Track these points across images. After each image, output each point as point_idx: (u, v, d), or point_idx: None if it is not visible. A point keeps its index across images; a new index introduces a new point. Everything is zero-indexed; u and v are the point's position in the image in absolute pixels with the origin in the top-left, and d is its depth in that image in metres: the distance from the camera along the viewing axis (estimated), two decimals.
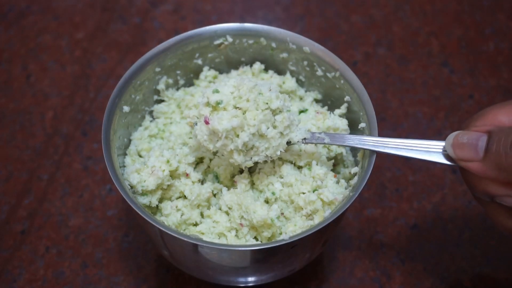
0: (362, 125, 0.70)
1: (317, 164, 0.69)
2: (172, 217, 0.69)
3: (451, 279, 0.81)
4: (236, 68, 0.79)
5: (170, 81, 0.78)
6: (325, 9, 1.08)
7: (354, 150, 0.76)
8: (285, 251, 0.64)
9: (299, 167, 0.71)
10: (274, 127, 0.65)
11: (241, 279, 0.72)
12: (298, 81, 0.79)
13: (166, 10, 1.08)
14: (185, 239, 0.61)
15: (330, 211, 0.67)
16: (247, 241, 0.68)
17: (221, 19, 1.06)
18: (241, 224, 0.67)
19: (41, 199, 0.86)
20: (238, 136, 0.63)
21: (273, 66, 0.79)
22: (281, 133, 0.65)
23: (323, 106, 0.78)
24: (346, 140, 0.66)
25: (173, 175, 0.70)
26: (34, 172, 0.89)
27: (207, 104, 0.64)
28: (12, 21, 1.05)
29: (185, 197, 0.70)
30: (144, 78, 0.74)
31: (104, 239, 0.83)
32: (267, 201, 0.70)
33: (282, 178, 0.69)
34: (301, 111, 0.77)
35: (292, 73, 0.78)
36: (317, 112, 0.75)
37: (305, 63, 0.76)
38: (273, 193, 0.69)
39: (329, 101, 0.78)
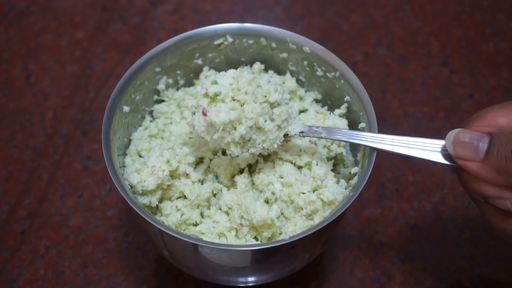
0: (362, 125, 0.70)
1: (317, 164, 0.69)
2: (172, 217, 0.69)
3: (451, 279, 0.81)
4: (236, 68, 0.79)
5: (170, 81, 0.78)
6: (325, 9, 1.08)
7: (354, 150, 0.76)
8: (285, 251, 0.64)
9: (299, 167, 0.71)
10: (272, 120, 0.65)
11: (241, 279, 0.72)
12: (298, 81, 0.79)
13: (166, 10, 1.08)
14: (185, 239, 0.61)
15: (330, 211, 0.67)
16: (247, 241, 0.68)
17: (221, 19, 1.06)
18: (241, 224, 0.67)
19: (41, 199, 0.86)
20: (235, 128, 0.63)
21: (273, 66, 0.79)
22: (279, 126, 0.65)
23: (323, 106, 0.78)
24: (343, 135, 0.66)
25: (173, 175, 0.70)
26: (34, 172, 0.89)
27: (206, 95, 0.64)
28: (12, 21, 1.05)
29: (185, 197, 0.70)
30: (144, 78, 0.74)
31: (104, 239, 0.83)
32: (267, 201, 0.70)
33: (282, 178, 0.69)
34: (301, 111, 0.77)
35: (292, 73, 0.78)
36: (317, 112, 0.75)
37: (305, 63, 0.76)
38: (273, 193, 0.69)
39: (329, 101, 0.78)
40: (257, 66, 0.78)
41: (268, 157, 0.72)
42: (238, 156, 0.67)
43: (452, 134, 0.59)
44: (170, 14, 1.07)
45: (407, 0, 1.09)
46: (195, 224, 0.70)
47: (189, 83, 0.80)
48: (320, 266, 0.82)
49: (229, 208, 0.69)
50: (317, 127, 0.67)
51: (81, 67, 1.00)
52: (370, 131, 0.68)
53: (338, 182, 0.70)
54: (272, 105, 0.65)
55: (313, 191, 0.67)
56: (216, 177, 0.72)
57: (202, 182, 0.71)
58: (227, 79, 0.64)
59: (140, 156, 0.74)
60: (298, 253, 0.68)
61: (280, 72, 0.79)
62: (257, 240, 0.69)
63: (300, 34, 0.74)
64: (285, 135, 0.67)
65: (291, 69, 0.78)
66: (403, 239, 0.84)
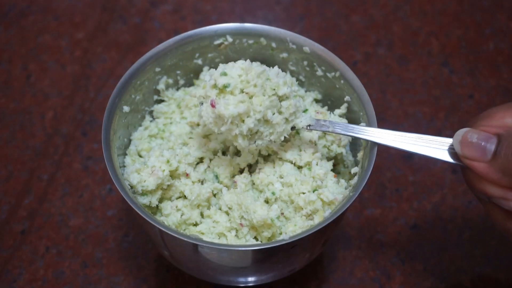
0: (362, 125, 0.70)
1: (317, 164, 0.69)
2: (172, 217, 0.69)
3: (451, 279, 0.81)
4: None
5: (170, 81, 0.78)
6: (325, 9, 1.08)
7: (354, 150, 0.76)
8: (285, 251, 0.64)
9: (299, 167, 0.71)
10: (280, 113, 0.65)
11: (241, 279, 0.72)
12: (298, 81, 0.79)
13: (166, 10, 1.08)
14: (185, 239, 0.61)
15: (330, 211, 0.67)
16: (247, 241, 0.68)
17: (221, 19, 1.06)
18: (241, 224, 0.67)
19: (41, 199, 0.86)
20: (243, 121, 0.63)
21: (273, 66, 0.79)
22: (286, 119, 0.65)
23: (323, 106, 0.78)
24: (350, 130, 0.66)
25: (173, 175, 0.70)
26: (34, 172, 0.89)
27: (214, 86, 0.64)
28: (12, 21, 1.05)
29: (185, 197, 0.70)
30: (144, 78, 0.74)
31: (104, 239, 0.83)
32: (267, 201, 0.70)
33: (282, 178, 0.69)
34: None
35: (292, 73, 0.78)
36: (317, 112, 0.74)
37: (305, 63, 0.76)
38: (273, 193, 0.69)
39: (329, 101, 0.78)
40: None
41: (268, 157, 0.72)
42: (244, 148, 0.67)
43: (460, 133, 0.59)
44: (170, 14, 1.07)
45: (407, 0, 1.09)
46: (195, 224, 0.70)
47: (189, 83, 0.80)
48: (320, 266, 0.82)
49: (229, 208, 0.69)
50: (325, 121, 0.67)
51: (81, 67, 1.00)
52: None
53: (338, 182, 0.70)
54: (281, 98, 0.65)
55: (313, 191, 0.67)
56: (216, 177, 0.72)
57: (202, 182, 0.71)
58: (236, 70, 0.64)
59: (140, 156, 0.74)
60: (298, 253, 0.68)
61: None
62: (257, 240, 0.69)
63: (300, 34, 0.74)
64: (293, 128, 0.67)
65: (291, 69, 0.78)
66: (403, 239, 0.84)
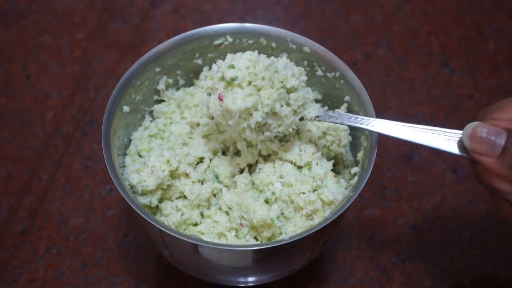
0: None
1: (317, 164, 0.69)
2: (172, 217, 0.69)
3: (451, 279, 0.81)
4: None
5: (170, 81, 0.78)
6: (325, 9, 1.08)
7: (354, 150, 0.76)
8: (285, 251, 0.64)
9: (299, 167, 0.71)
10: (288, 105, 0.65)
11: (241, 279, 0.72)
12: None
13: (166, 10, 1.08)
14: (185, 239, 0.61)
15: (330, 211, 0.67)
16: (247, 241, 0.68)
17: (221, 19, 1.06)
18: (241, 224, 0.67)
19: (41, 199, 0.86)
20: (251, 115, 0.63)
21: None
22: (295, 111, 0.65)
23: (323, 106, 0.78)
24: (358, 121, 0.66)
25: (173, 175, 0.70)
26: (34, 172, 0.89)
27: (222, 78, 0.63)
28: (12, 21, 1.05)
29: (185, 197, 0.70)
30: (144, 78, 0.74)
31: (104, 239, 0.83)
32: (267, 201, 0.70)
33: (282, 178, 0.69)
34: None
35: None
36: None
37: (305, 63, 0.76)
38: (273, 193, 0.69)
39: (329, 101, 0.78)
40: None
41: (268, 157, 0.72)
42: (252, 140, 0.66)
43: (469, 127, 0.58)
44: (170, 14, 1.07)
45: (407, 0, 1.09)
46: (195, 224, 0.70)
47: (189, 83, 0.80)
48: (320, 266, 0.82)
49: (229, 208, 0.69)
50: (333, 111, 0.67)
51: (81, 67, 1.00)
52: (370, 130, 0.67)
53: (338, 182, 0.70)
54: (289, 90, 0.64)
55: (313, 191, 0.67)
56: (216, 177, 0.72)
57: (202, 182, 0.71)
58: (244, 61, 0.63)
59: (140, 156, 0.74)
60: (298, 253, 0.68)
61: None
62: (257, 240, 0.69)
63: (300, 34, 0.74)
64: (301, 119, 0.67)
65: None
66: (403, 239, 0.84)
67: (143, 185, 0.67)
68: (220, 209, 0.70)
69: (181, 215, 0.69)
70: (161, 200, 0.70)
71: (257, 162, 0.72)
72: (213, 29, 0.75)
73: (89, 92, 0.97)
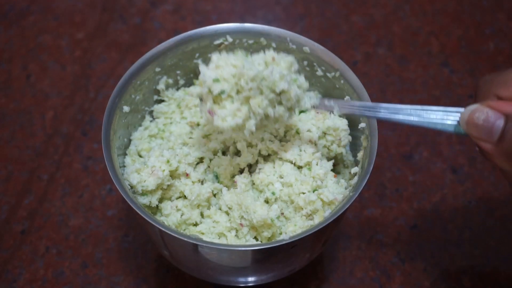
0: (362, 125, 0.70)
1: (317, 164, 0.69)
2: (172, 217, 0.69)
3: (451, 279, 0.81)
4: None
5: (170, 81, 0.78)
6: (325, 9, 1.08)
7: (354, 150, 0.76)
8: (285, 251, 0.64)
9: (299, 167, 0.71)
10: (281, 104, 0.65)
11: (241, 279, 0.72)
12: None
13: (166, 10, 1.08)
14: (185, 239, 0.61)
15: (330, 211, 0.67)
16: (247, 241, 0.68)
17: (221, 19, 1.06)
18: (241, 224, 0.67)
19: (41, 199, 0.86)
20: (244, 126, 0.63)
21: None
22: (289, 108, 0.65)
23: None
24: (354, 108, 0.65)
25: (173, 175, 0.70)
26: (34, 172, 0.89)
27: (209, 92, 0.63)
28: (12, 21, 1.05)
29: (185, 197, 0.70)
30: (144, 78, 0.74)
31: (104, 239, 0.83)
32: (267, 201, 0.70)
33: (282, 178, 0.69)
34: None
35: None
36: (317, 112, 0.74)
37: (305, 63, 0.76)
38: (273, 193, 0.69)
39: None
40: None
41: (268, 157, 0.72)
42: (252, 140, 0.67)
43: (467, 112, 0.57)
44: (170, 14, 1.07)
45: (407, 0, 1.09)
46: (195, 224, 0.70)
47: (189, 83, 0.80)
48: (320, 266, 0.82)
49: (229, 208, 0.69)
50: (329, 99, 0.67)
51: (81, 67, 1.00)
52: (370, 130, 0.68)
53: (338, 182, 0.70)
54: (280, 93, 0.64)
55: (313, 191, 0.67)
56: (216, 177, 0.72)
57: (202, 182, 0.71)
58: (229, 69, 0.62)
59: (140, 156, 0.74)
60: (298, 253, 0.68)
61: None
62: (257, 240, 0.69)
63: (300, 34, 0.74)
64: (300, 112, 0.68)
65: None
66: (403, 239, 0.84)
67: (143, 185, 0.67)
68: (220, 209, 0.70)
69: (181, 215, 0.69)
70: (161, 200, 0.70)
71: (257, 162, 0.72)
72: (213, 29, 0.75)
73: (89, 92, 0.97)
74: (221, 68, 0.63)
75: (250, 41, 0.76)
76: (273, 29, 0.75)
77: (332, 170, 0.71)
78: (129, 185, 0.68)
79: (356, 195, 0.62)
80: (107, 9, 1.08)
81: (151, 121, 0.78)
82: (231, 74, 0.62)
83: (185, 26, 1.05)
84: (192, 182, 0.70)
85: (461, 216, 0.86)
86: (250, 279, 0.72)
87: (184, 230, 0.70)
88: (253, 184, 0.71)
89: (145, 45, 1.03)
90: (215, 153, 0.73)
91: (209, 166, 0.72)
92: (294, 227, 0.67)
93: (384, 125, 0.94)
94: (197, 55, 0.77)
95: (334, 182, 0.69)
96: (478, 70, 1.00)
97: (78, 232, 0.84)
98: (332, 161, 0.72)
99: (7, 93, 0.97)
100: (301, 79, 0.66)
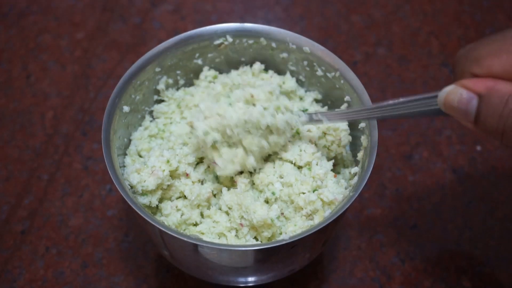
0: (362, 125, 0.70)
1: (317, 164, 0.69)
2: (172, 217, 0.69)
3: (451, 279, 0.81)
4: (236, 68, 0.79)
5: (170, 81, 0.78)
6: (325, 9, 1.08)
7: (354, 150, 0.76)
8: (285, 251, 0.64)
9: (299, 167, 0.71)
10: (272, 132, 0.68)
11: (241, 279, 0.72)
12: (298, 81, 0.79)
13: (166, 10, 1.08)
14: (185, 239, 0.61)
15: (330, 211, 0.67)
16: (247, 241, 0.68)
17: (221, 19, 1.06)
18: (241, 224, 0.67)
19: (41, 199, 0.86)
20: (245, 165, 0.67)
21: (273, 66, 0.79)
22: (283, 132, 0.68)
23: (323, 106, 0.78)
24: (343, 115, 0.67)
25: (173, 175, 0.70)
26: (34, 172, 0.89)
27: (204, 142, 0.67)
28: (12, 21, 1.05)
29: (185, 197, 0.70)
30: (144, 78, 0.74)
31: (104, 239, 0.83)
32: (267, 201, 0.70)
33: (282, 178, 0.69)
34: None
35: (292, 73, 0.78)
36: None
37: (305, 63, 0.76)
38: (273, 193, 0.69)
39: (329, 101, 0.78)
40: (257, 66, 0.78)
41: (268, 157, 0.72)
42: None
43: (442, 95, 0.57)
44: (170, 14, 1.07)
45: (407, 0, 1.09)
46: (195, 224, 0.70)
47: (189, 83, 0.80)
48: (320, 266, 0.82)
49: (229, 208, 0.69)
50: (316, 114, 0.69)
51: (81, 67, 1.00)
52: (370, 130, 0.68)
53: (338, 182, 0.70)
54: (270, 127, 0.67)
55: (313, 191, 0.67)
56: (216, 177, 0.72)
57: (202, 182, 0.71)
58: (213, 122, 0.66)
59: (140, 156, 0.74)
60: (298, 253, 0.68)
61: (280, 72, 0.79)
62: (257, 240, 0.69)
63: (300, 34, 0.74)
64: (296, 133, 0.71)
65: (291, 69, 0.78)
66: (403, 239, 0.84)
67: (143, 185, 0.67)
68: (220, 209, 0.70)
69: (181, 215, 0.69)
70: (161, 200, 0.70)
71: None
72: (213, 29, 0.75)
73: (89, 92, 0.97)
74: (208, 119, 0.67)
75: (250, 41, 0.76)
76: (273, 29, 0.75)
77: (332, 170, 0.71)
78: (129, 185, 0.68)
79: (356, 195, 0.62)
80: (107, 9, 1.08)
81: (151, 121, 0.78)
82: (218, 123, 0.66)
83: (185, 26, 1.05)
84: (192, 182, 0.70)
85: (461, 216, 0.86)
86: (250, 279, 0.72)
87: (184, 230, 0.70)
88: (253, 184, 0.71)
89: (145, 45, 1.03)
90: None
91: (209, 166, 0.72)
92: (294, 227, 0.67)
93: (384, 125, 0.94)
94: (197, 55, 0.77)
95: (334, 182, 0.69)
96: None
97: (78, 232, 0.84)
98: (332, 161, 0.72)
99: (7, 93, 0.97)
100: (285, 101, 0.69)
